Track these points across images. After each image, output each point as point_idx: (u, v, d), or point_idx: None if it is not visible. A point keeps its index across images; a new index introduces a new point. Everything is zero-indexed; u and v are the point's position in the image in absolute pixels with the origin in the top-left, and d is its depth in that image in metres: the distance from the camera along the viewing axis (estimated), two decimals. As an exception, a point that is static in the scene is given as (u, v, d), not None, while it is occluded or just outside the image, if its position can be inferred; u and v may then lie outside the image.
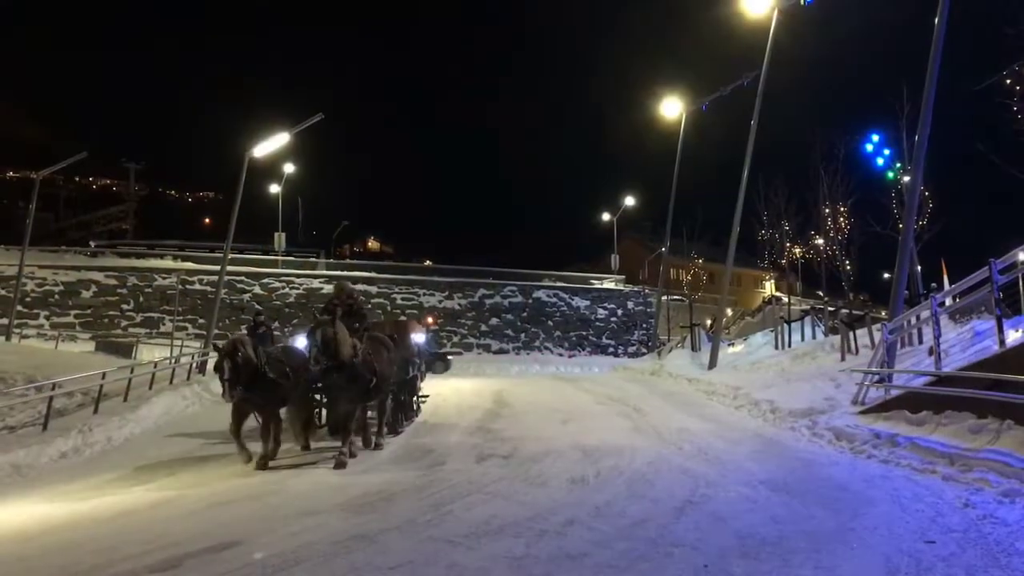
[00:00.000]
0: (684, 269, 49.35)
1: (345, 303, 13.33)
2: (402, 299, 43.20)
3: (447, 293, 44.41)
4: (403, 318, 26.94)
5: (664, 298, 44.15)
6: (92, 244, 49.02)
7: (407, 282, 44.26)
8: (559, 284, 48.10)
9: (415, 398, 16.69)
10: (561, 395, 21.50)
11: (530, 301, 45.85)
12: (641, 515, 7.79)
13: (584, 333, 46.53)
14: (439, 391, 22.22)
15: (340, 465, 10.99)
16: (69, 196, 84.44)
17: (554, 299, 46.64)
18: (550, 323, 45.91)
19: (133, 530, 7.83)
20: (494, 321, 44.83)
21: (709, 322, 38.13)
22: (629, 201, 54.40)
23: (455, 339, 43.47)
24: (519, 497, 8.79)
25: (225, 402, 11.34)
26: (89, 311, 38.14)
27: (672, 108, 36.86)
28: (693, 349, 32.29)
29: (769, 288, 61.81)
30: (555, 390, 23.27)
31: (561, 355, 43.74)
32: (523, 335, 45.08)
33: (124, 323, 38.34)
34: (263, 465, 11.20)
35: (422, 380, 17.62)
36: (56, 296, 37.95)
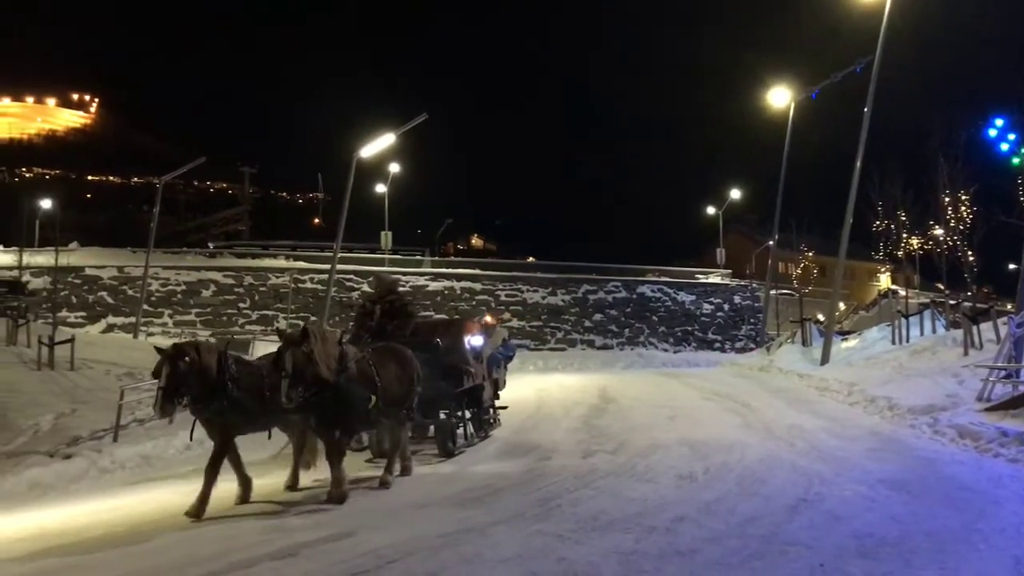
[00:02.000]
0: (793, 263, 48.07)
1: (386, 300, 11.67)
2: (506, 295, 43.44)
3: (550, 289, 44.43)
4: (457, 316, 22.31)
5: (772, 292, 43.07)
6: (210, 245, 51.18)
7: (510, 278, 44.48)
8: (663, 279, 47.52)
9: (481, 410, 13.56)
10: (667, 391, 21.22)
11: (634, 296, 45.45)
12: (753, 512, 7.63)
13: (689, 328, 45.84)
14: (544, 386, 22.28)
15: (336, 498, 8.76)
16: (189, 200, 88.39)
17: (658, 294, 46.11)
18: (654, 318, 45.40)
19: (250, 520, 8.12)
20: (598, 317, 44.61)
21: (821, 316, 37.05)
22: (735, 194, 53.29)
23: (559, 335, 43.48)
24: (627, 493, 8.72)
25: (157, 416, 9.15)
26: (209, 309, 39.74)
27: (780, 97, 35.83)
28: (804, 344, 31.38)
29: (884, 281, 59.61)
30: (661, 386, 22.99)
31: (666, 351, 43.23)
32: (627, 331, 44.71)
33: (241, 321, 39.79)
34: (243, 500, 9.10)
35: (502, 387, 15.13)
36: (179, 295, 39.68)
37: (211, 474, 8.66)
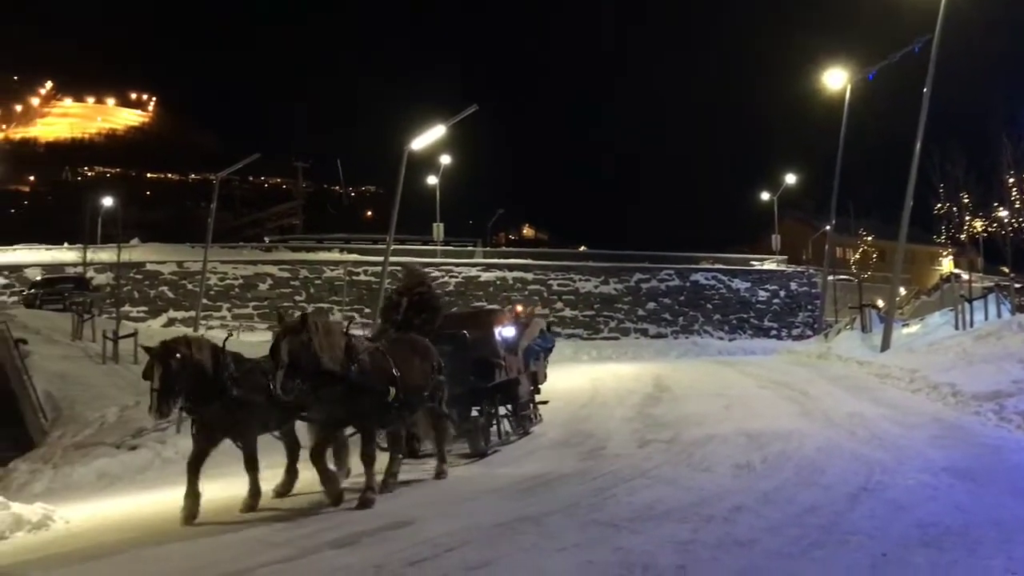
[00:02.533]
0: (851, 247, 47.13)
1: (414, 292, 10.86)
2: (558, 285, 43.43)
3: (602, 278, 44.29)
4: (486, 306, 20.13)
5: (830, 278, 42.34)
6: (266, 240, 52.07)
7: (562, 268, 44.45)
8: (717, 266, 47.08)
9: (518, 406, 12.69)
10: (722, 379, 21.00)
11: (688, 284, 45.10)
12: (812, 502, 7.51)
13: (745, 316, 45.35)
14: (597, 376, 22.21)
15: (364, 503, 8.08)
16: (244, 195, 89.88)
17: (712, 281, 45.68)
18: (709, 306, 45.00)
19: (312, 509, 8.25)
20: (651, 305, 44.37)
21: (881, 302, 36.31)
22: (790, 179, 52.55)
23: (612, 324, 43.33)
24: (683, 482, 8.66)
25: (154, 420, 8.72)
26: (266, 302, 40.43)
27: (836, 79, 35.11)
28: (863, 331, 30.77)
29: (947, 265, 58.17)
30: (716, 374, 22.76)
31: (721, 339, 42.80)
32: (681, 319, 44.39)
33: (297, 314, 40.39)
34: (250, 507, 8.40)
35: (542, 381, 14.35)
36: (236, 289, 40.45)
37: (192, 475, 8.17)
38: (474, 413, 11.37)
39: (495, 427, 11.79)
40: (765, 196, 54.70)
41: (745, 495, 7.86)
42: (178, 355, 7.90)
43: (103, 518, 8.75)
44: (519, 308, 15.16)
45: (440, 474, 9.49)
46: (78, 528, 8.19)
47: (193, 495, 8.08)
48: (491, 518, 7.33)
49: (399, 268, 40.85)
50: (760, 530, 6.53)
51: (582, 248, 59.54)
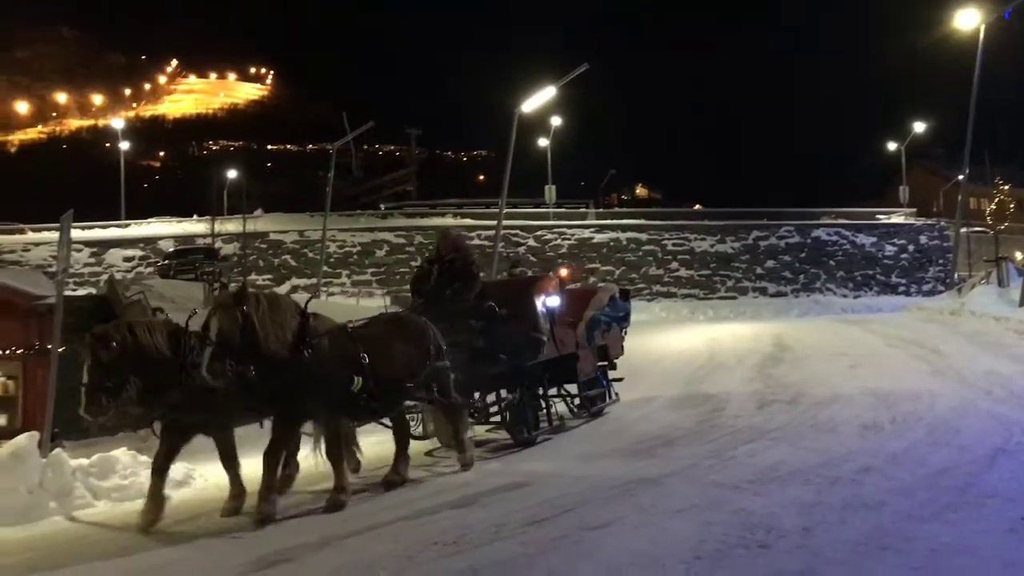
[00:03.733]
0: (987, 197, 44.53)
1: (446, 260, 9.53)
2: (672, 245, 42.78)
3: (718, 236, 43.38)
4: (525, 271, 17.62)
5: (963, 231, 40.19)
6: (382, 207, 53.13)
7: (677, 227, 43.72)
8: (840, 221, 45.35)
9: (580, 385, 11.11)
10: (847, 337, 20.28)
11: (808, 241, 43.68)
12: (945, 463, 7.19)
13: (870, 272, 43.63)
14: (715, 336, 21.82)
15: (333, 506, 7.01)
16: (359, 164, 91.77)
17: (835, 237, 44.09)
18: (831, 263, 43.50)
19: (429, 474, 8.43)
20: (770, 263, 43.22)
21: (1019, 255, 34.35)
22: (918, 127, 49.93)
23: (728, 284, 42.47)
24: (806, 443, 8.44)
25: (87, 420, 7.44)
26: (383, 269, 41.34)
27: (968, 19, 33.05)
28: (1000, 285, 29.15)
29: (1093, 213, 54.32)
30: (840, 332, 22.00)
31: (845, 296, 41.37)
32: (802, 276, 43.09)
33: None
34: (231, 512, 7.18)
35: (615, 355, 12.29)
36: (355, 256, 41.48)
37: (157, 479, 7.10)
38: (509, 396, 9.57)
39: (545, 411, 10.28)
40: (892, 146, 52.25)
41: (873, 456, 7.60)
42: (113, 343, 6.78)
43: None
44: (563, 272, 12.92)
45: (465, 465, 8.28)
46: (215, 485, 8.60)
47: (156, 497, 6.99)
48: (608, 479, 7.33)
49: (512, 232, 41.22)
50: (889, 492, 6.30)
51: (697, 207, 58.37)
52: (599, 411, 11.41)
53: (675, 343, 20.86)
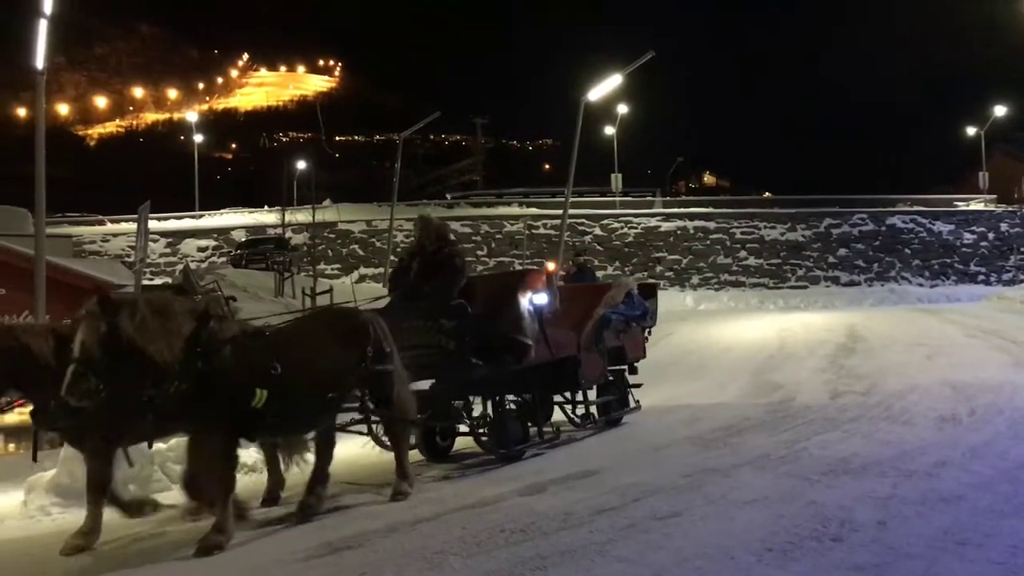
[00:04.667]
0: (1071, 183, 42.93)
1: (428, 251, 8.49)
2: (741, 233, 42.09)
3: (789, 224, 42.54)
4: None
5: (1047, 217, 38.80)
6: (448, 196, 53.46)
7: (746, 215, 43.00)
8: (916, 208, 44.06)
9: (585, 393, 9.92)
10: (923, 327, 19.78)
11: (883, 228, 42.55)
12: (1027, 458, 6.98)
13: (948, 261, 42.33)
14: (785, 326, 21.50)
15: (205, 549, 5.79)
16: (426, 153, 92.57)
17: (911, 224, 42.87)
18: (907, 251, 42.31)
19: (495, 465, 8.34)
20: (842, 252, 42.23)
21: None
22: (999, 111, 48.27)
23: (799, 273, 41.68)
24: (880, 436, 8.27)
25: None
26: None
27: (1053, -4, 31.78)
28: (1086, 274, 28.12)
29: None
30: (916, 322, 21.47)
31: (921, 286, 40.28)
32: (876, 265, 42.01)
33: (479, 268, 41.42)
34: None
35: (634, 357, 10.88)
36: (423, 246, 41.86)
37: (95, 502, 6.38)
38: (486, 408, 8.74)
39: (537, 422, 8.98)
40: (971, 131, 50.64)
41: (950, 449, 7.42)
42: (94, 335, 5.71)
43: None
44: (550, 267, 11.78)
45: (397, 495, 7.03)
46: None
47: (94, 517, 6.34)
48: (678, 469, 7.30)
49: (578, 220, 41.09)
50: (967, 486, 6.13)
51: (766, 194, 57.39)
52: (616, 420, 10.28)
53: (744, 333, 20.63)
